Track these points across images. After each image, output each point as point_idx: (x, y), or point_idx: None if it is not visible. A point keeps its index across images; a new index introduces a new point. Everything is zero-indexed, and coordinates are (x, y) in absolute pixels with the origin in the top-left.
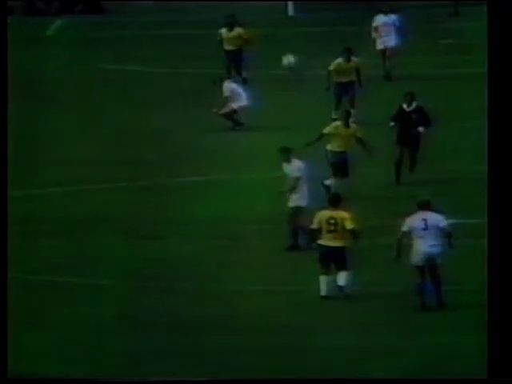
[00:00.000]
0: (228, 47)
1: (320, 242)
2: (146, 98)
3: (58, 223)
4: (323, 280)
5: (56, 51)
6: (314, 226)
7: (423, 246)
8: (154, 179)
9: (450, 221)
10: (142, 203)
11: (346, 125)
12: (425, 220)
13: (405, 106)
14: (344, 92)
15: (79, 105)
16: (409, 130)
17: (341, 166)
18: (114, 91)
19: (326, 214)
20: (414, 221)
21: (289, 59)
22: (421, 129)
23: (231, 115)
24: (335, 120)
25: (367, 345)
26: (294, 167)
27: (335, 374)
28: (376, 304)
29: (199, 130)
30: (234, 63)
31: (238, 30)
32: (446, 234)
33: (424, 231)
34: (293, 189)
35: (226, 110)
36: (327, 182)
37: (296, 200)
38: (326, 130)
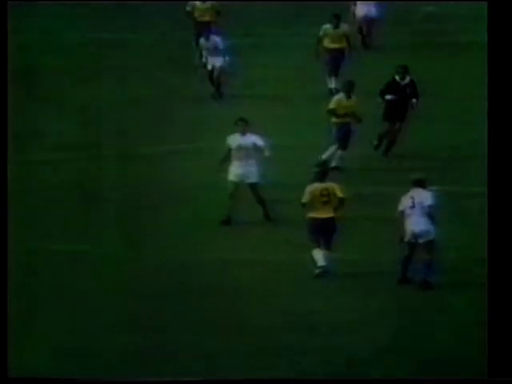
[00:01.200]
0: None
1: (312, 215)
2: (129, 66)
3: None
4: (317, 252)
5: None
6: (305, 200)
7: (410, 224)
8: (140, 148)
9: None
10: (129, 172)
11: (349, 96)
12: (412, 198)
13: (398, 79)
14: (334, 59)
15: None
16: (401, 103)
17: (344, 137)
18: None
19: (318, 186)
20: (405, 199)
21: None
22: (414, 101)
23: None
24: (335, 90)
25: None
26: (250, 140)
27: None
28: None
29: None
30: None
31: None
32: (430, 214)
33: (411, 209)
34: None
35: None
36: (326, 155)
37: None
38: (332, 105)
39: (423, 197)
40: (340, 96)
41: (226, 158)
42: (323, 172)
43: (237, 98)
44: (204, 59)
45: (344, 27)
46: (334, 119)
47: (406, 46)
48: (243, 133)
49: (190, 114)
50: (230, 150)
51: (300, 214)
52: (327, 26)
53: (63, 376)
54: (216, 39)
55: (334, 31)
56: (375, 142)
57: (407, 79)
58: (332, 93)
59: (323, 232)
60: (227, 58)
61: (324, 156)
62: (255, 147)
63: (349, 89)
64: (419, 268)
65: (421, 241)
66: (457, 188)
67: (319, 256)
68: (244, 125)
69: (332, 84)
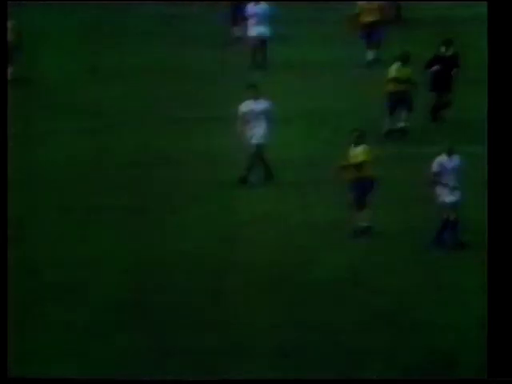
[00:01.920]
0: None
1: (350, 176)
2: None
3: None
4: (356, 212)
5: None
6: (344, 162)
7: (442, 186)
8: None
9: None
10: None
11: (404, 65)
12: (445, 162)
13: (443, 52)
14: (370, 32)
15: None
16: (446, 74)
17: (404, 103)
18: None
19: (355, 150)
20: (438, 162)
21: None
22: (455, 70)
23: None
24: (374, 61)
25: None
26: (261, 104)
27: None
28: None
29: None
30: None
31: None
32: (459, 177)
33: (446, 173)
34: (258, 125)
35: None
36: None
37: (259, 137)
38: (394, 74)
39: (454, 161)
40: (397, 65)
41: (241, 123)
42: (360, 136)
43: (277, 67)
44: (248, 28)
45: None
46: (391, 87)
47: (442, 19)
48: (255, 98)
49: (233, 82)
50: (243, 114)
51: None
52: (363, 2)
53: (63, 376)
54: (264, 6)
55: (368, 5)
56: (430, 115)
57: (451, 51)
58: (371, 64)
59: (361, 192)
60: (271, 28)
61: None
62: (265, 111)
63: (404, 58)
64: (449, 229)
65: (450, 202)
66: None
67: (359, 215)
68: (255, 91)
69: (370, 56)
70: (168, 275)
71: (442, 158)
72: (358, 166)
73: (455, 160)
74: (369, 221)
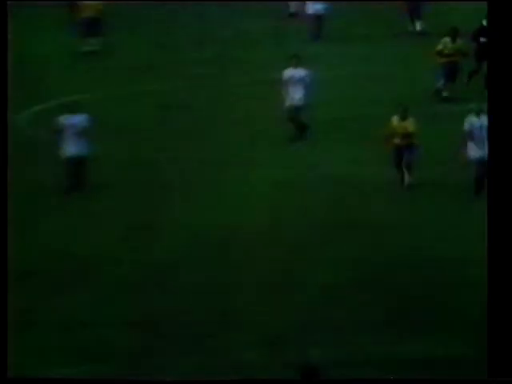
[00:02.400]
0: None
1: (396, 142)
2: None
3: None
4: (400, 172)
5: None
6: (389, 131)
7: (471, 144)
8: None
9: None
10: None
11: (454, 40)
12: (475, 123)
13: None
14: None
15: None
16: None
17: (451, 73)
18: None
19: (400, 122)
20: (470, 122)
21: None
22: None
23: None
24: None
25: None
26: (300, 72)
27: None
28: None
29: None
30: None
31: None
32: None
33: (477, 132)
34: (296, 89)
35: None
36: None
37: (298, 99)
38: (440, 47)
39: (482, 121)
40: (446, 40)
41: (284, 87)
42: (405, 110)
43: (331, 39)
44: (306, 5)
45: None
46: (441, 59)
47: None
48: (295, 66)
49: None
50: (285, 79)
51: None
52: None
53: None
54: None
55: None
56: (466, 80)
57: None
58: (416, 35)
59: (404, 156)
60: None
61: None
62: (303, 78)
63: (454, 34)
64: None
65: (477, 158)
66: None
67: (402, 176)
68: (297, 60)
69: (417, 27)
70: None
71: (472, 118)
72: (406, 136)
73: (483, 120)
74: (410, 179)
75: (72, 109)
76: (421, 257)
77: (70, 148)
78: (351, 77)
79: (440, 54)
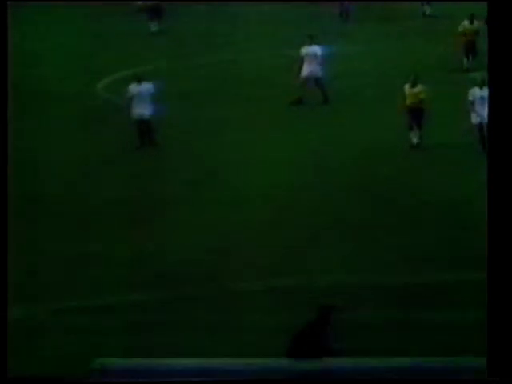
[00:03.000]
0: None
1: (408, 105)
2: None
3: None
4: (413, 134)
5: None
6: (401, 97)
7: (475, 111)
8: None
9: None
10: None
11: (471, 22)
12: (477, 94)
13: None
14: None
15: None
16: None
17: (471, 49)
18: None
19: (414, 90)
20: (473, 92)
21: None
22: None
23: None
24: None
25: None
26: (314, 49)
27: None
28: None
29: None
30: None
31: None
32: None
33: (478, 101)
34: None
35: None
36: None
37: (309, 71)
38: (461, 28)
39: (484, 92)
40: (465, 22)
41: (300, 63)
42: (416, 78)
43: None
44: None
45: None
46: (462, 38)
47: None
48: (310, 44)
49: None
50: (302, 56)
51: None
52: None
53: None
54: None
55: None
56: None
57: None
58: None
59: (415, 118)
60: None
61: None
62: (315, 54)
63: (471, 18)
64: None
65: (476, 124)
66: None
67: (413, 135)
68: (311, 39)
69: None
70: None
71: (475, 89)
72: (418, 101)
73: (485, 91)
74: (419, 138)
75: (139, 78)
76: (428, 201)
77: (138, 111)
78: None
79: (462, 34)
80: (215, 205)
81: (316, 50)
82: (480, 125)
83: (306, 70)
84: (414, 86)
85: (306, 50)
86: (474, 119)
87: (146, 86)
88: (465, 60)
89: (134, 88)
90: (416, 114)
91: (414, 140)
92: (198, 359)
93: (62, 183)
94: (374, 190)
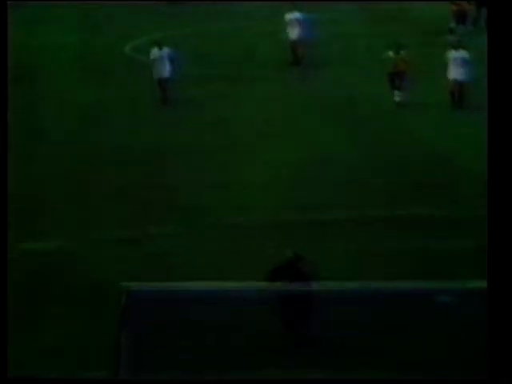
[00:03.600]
0: None
1: (390, 70)
2: None
3: None
4: (396, 93)
5: None
6: (385, 58)
7: (452, 69)
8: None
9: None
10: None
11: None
12: (452, 55)
13: None
14: None
15: None
16: None
17: (462, 17)
18: None
19: (398, 56)
20: (449, 54)
21: None
22: None
23: None
24: None
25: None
26: (296, 15)
27: None
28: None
29: None
30: None
31: None
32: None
33: (454, 61)
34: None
35: None
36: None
37: (294, 34)
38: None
39: (464, 54)
40: None
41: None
42: (399, 46)
43: None
44: None
45: None
46: (453, 7)
47: None
48: (292, 10)
49: None
50: (287, 21)
51: None
52: None
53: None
54: None
55: None
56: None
57: None
58: None
59: (398, 79)
60: None
61: None
62: (298, 19)
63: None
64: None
65: (453, 79)
66: None
67: (397, 94)
68: (293, 6)
69: None
70: None
71: (451, 51)
72: (400, 66)
73: (462, 53)
74: (402, 96)
75: (160, 43)
76: (415, 148)
77: (160, 71)
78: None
79: (452, 3)
80: (223, 149)
81: (298, 16)
82: (454, 80)
83: (292, 34)
84: (397, 52)
85: (289, 16)
86: (450, 76)
87: (166, 51)
88: (454, 25)
89: (155, 52)
90: (399, 77)
91: (397, 98)
92: (216, 282)
93: (96, 129)
94: (363, 136)
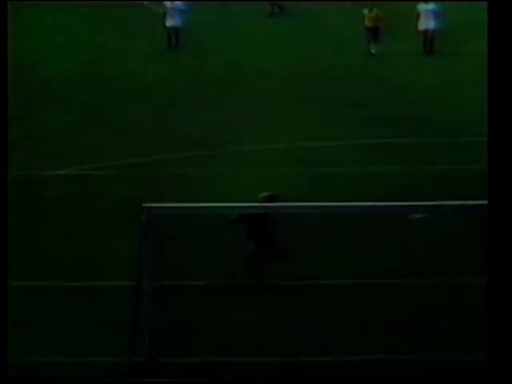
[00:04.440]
0: None
1: (366, 24)
2: None
3: None
4: (371, 46)
5: None
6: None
7: (422, 21)
8: None
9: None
10: None
11: None
12: (423, 7)
13: None
14: None
15: None
16: None
17: None
18: None
19: (371, 13)
20: (420, 7)
21: None
22: None
23: None
24: None
25: None
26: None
27: None
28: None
29: None
30: None
31: None
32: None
33: (423, 13)
34: None
35: None
36: None
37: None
38: None
39: (434, 7)
40: None
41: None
42: (373, 6)
43: None
44: None
45: None
46: None
47: None
48: None
49: None
50: None
51: None
52: None
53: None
54: None
55: None
56: None
57: None
58: None
59: (372, 33)
60: None
61: None
62: None
63: None
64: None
65: (422, 30)
66: None
67: (372, 46)
68: None
69: None
70: None
71: (421, 4)
72: (374, 22)
73: (431, 5)
74: (377, 49)
75: None
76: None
77: (171, 22)
78: None
79: None
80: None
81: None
82: (424, 31)
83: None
84: (370, 11)
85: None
86: (420, 27)
87: (177, 3)
88: None
89: (167, 4)
90: (373, 31)
91: (373, 50)
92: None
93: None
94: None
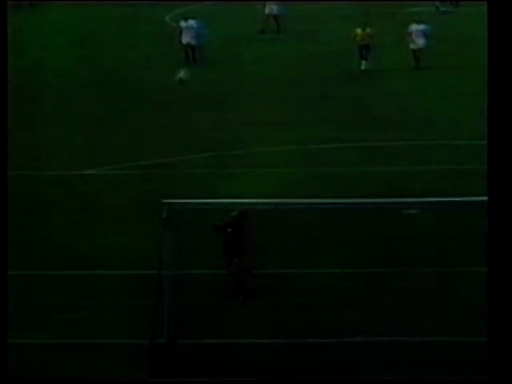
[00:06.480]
0: None
1: (357, 43)
2: None
3: None
4: (363, 62)
5: None
6: (353, 35)
7: (412, 40)
8: None
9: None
10: None
11: None
12: (414, 28)
13: None
14: None
15: None
16: None
17: None
18: None
19: (364, 32)
20: (411, 27)
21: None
22: None
23: None
24: None
25: None
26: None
27: None
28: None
29: None
30: None
31: None
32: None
33: (414, 33)
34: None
35: None
36: None
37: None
38: None
39: (424, 28)
40: None
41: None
42: (365, 23)
43: None
44: None
45: None
46: None
47: None
48: None
49: None
50: None
51: None
52: None
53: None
54: None
55: None
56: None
57: None
58: None
59: (364, 51)
60: None
61: None
62: None
63: None
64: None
65: (417, 48)
66: None
67: (363, 63)
68: None
69: None
70: None
71: (412, 24)
72: (366, 40)
73: (421, 26)
74: (366, 65)
75: (186, 17)
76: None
77: (186, 39)
78: None
79: None
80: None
81: None
82: (414, 51)
83: (267, 8)
84: (364, 29)
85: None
86: (411, 46)
87: (191, 22)
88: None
89: (182, 23)
90: (365, 49)
91: (363, 67)
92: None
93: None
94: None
